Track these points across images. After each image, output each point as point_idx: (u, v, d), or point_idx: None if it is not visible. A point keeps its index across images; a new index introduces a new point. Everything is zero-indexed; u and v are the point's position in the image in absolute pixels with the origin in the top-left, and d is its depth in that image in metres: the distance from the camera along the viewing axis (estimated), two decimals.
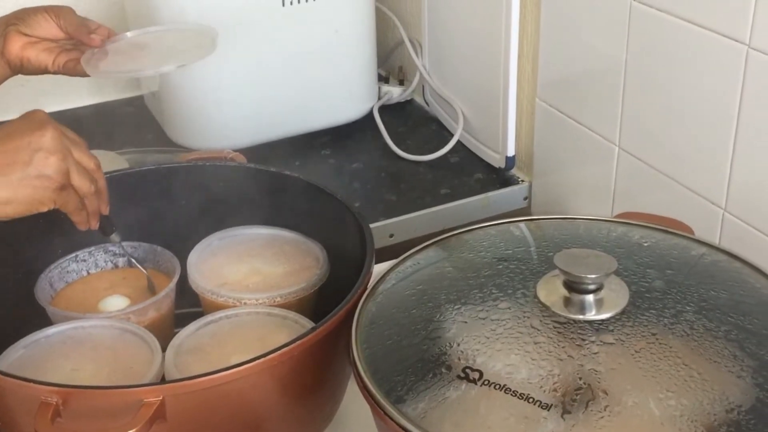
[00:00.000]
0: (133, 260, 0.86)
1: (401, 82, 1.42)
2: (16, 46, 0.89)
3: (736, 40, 0.81)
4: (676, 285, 0.65)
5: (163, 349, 0.75)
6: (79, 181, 0.73)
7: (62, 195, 0.72)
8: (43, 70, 0.91)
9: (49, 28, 0.89)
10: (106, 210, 0.78)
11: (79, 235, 0.87)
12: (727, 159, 0.85)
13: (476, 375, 0.59)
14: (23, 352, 0.75)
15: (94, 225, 0.78)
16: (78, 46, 0.92)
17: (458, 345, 0.61)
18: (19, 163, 0.69)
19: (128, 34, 0.95)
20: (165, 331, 0.81)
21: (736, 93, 0.82)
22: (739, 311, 0.63)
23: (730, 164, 0.85)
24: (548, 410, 0.56)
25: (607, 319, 0.61)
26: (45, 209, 0.71)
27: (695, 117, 0.88)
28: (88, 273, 0.88)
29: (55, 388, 0.63)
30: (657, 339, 0.60)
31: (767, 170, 0.82)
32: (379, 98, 1.37)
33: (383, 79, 1.42)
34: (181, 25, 1.00)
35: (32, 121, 0.71)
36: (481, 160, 1.25)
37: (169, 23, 1.10)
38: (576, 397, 0.56)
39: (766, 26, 0.78)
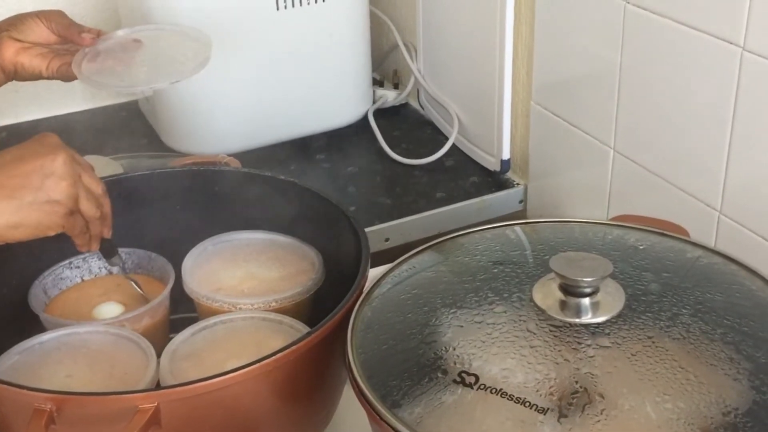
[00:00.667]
0: (133, 283, 0.85)
1: (396, 86, 1.42)
2: (9, 52, 0.89)
3: (731, 43, 0.81)
4: (671, 288, 0.65)
5: (159, 355, 0.74)
6: (86, 207, 0.73)
7: (70, 220, 0.72)
8: (37, 76, 0.91)
9: (41, 33, 0.89)
10: (108, 234, 0.78)
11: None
12: (723, 161, 0.85)
13: (472, 379, 0.58)
14: (18, 359, 0.75)
15: (95, 248, 0.78)
16: (71, 50, 0.91)
17: (454, 349, 0.61)
18: (30, 188, 0.68)
19: (120, 32, 0.94)
20: (160, 337, 0.81)
21: (730, 95, 0.82)
22: (735, 314, 0.63)
23: (725, 166, 0.85)
24: (544, 414, 0.56)
25: (603, 323, 0.61)
26: (52, 233, 0.71)
27: (690, 119, 0.88)
28: (83, 280, 0.88)
29: (50, 395, 0.62)
30: (653, 342, 0.60)
31: (762, 172, 0.82)
32: (374, 102, 1.37)
33: (378, 83, 1.42)
34: (176, 27, 0.99)
35: (44, 144, 0.71)
36: (477, 163, 1.25)
37: (164, 23, 1.09)
38: (572, 401, 0.56)
39: (760, 28, 0.78)
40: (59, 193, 0.70)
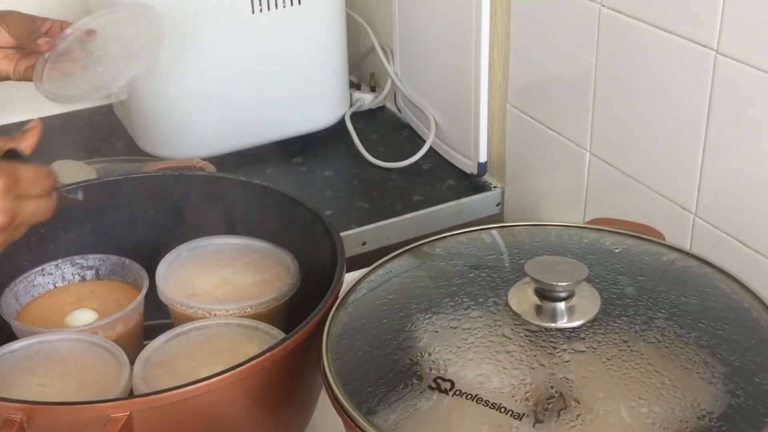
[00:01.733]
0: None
1: (373, 89, 1.42)
2: None
3: (705, 46, 0.81)
4: (647, 291, 0.65)
5: (132, 363, 0.74)
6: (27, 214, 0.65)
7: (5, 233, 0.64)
8: (4, 78, 0.90)
9: (1, 37, 0.88)
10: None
11: (45, 248, 0.86)
12: (697, 164, 0.86)
13: (447, 385, 0.58)
14: None
15: None
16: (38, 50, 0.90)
17: (429, 355, 0.61)
18: None
19: (76, 24, 0.91)
20: (134, 344, 0.80)
21: (704, 98, 0.83)
22: (710, 317, 0.63)
23: (699, 169, 0.86)
24: (520, 420, 0.55)
25: (579, 327, 0.61)
26: None
27: (665, 122, 0.88)
28: (55, 287, 0.86)
29: (20, 405, 0.61)
30: (628, 346, 0.60)
31: (736, 174, 0.82)
32: (351, 105, 1.37)
33: (355, 85, 1.42)
34: (127, 6, 0.95)
35: None
36: (454, 166, 1.24)
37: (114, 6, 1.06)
38: (548, 406, 0.56)
39: (733, 32, 0.78)
40: None
